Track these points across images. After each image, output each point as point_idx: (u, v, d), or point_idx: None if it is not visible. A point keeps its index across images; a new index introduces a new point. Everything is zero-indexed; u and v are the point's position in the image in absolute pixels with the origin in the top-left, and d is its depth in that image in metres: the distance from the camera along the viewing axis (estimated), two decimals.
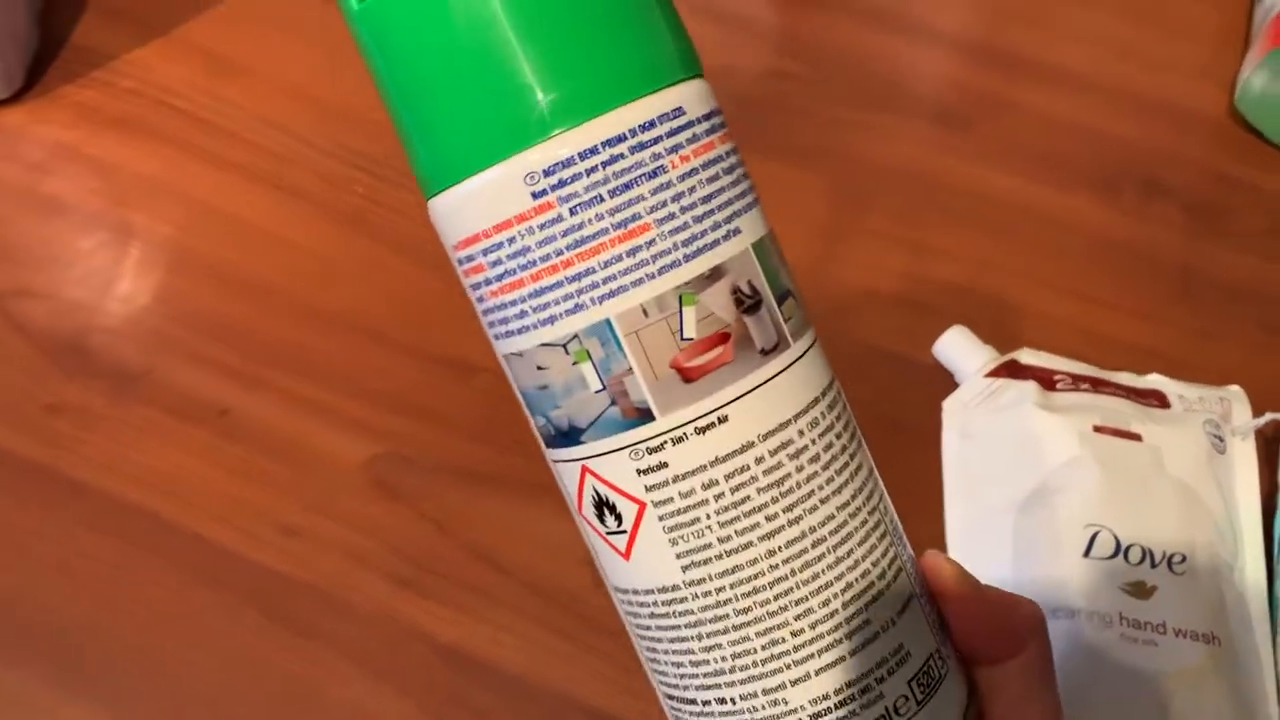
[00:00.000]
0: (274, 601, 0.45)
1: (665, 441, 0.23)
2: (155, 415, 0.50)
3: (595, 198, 0.22)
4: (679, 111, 0.23)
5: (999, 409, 0.48)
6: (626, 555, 0.25)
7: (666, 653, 0.25)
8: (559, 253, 0.23)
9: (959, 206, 0.57)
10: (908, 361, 0.51)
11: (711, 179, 0.24)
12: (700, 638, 0.24)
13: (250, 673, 0.44)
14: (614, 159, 0.22)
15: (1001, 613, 0.27)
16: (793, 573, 0.24)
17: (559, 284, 0.23)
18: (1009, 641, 0.27)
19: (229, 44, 0.61)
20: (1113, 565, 0.43)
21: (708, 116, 0.24)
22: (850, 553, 0.24)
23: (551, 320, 0.23)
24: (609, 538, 0.25)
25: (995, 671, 0.27)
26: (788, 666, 0.24)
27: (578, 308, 0.23)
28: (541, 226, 0.23)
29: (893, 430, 0.50)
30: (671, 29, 0.24)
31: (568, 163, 0.22)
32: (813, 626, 0.24)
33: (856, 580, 0.24)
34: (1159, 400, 0.49)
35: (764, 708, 0.24)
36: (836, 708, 0.24)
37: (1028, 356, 0.50)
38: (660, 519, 0.24)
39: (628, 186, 0.23)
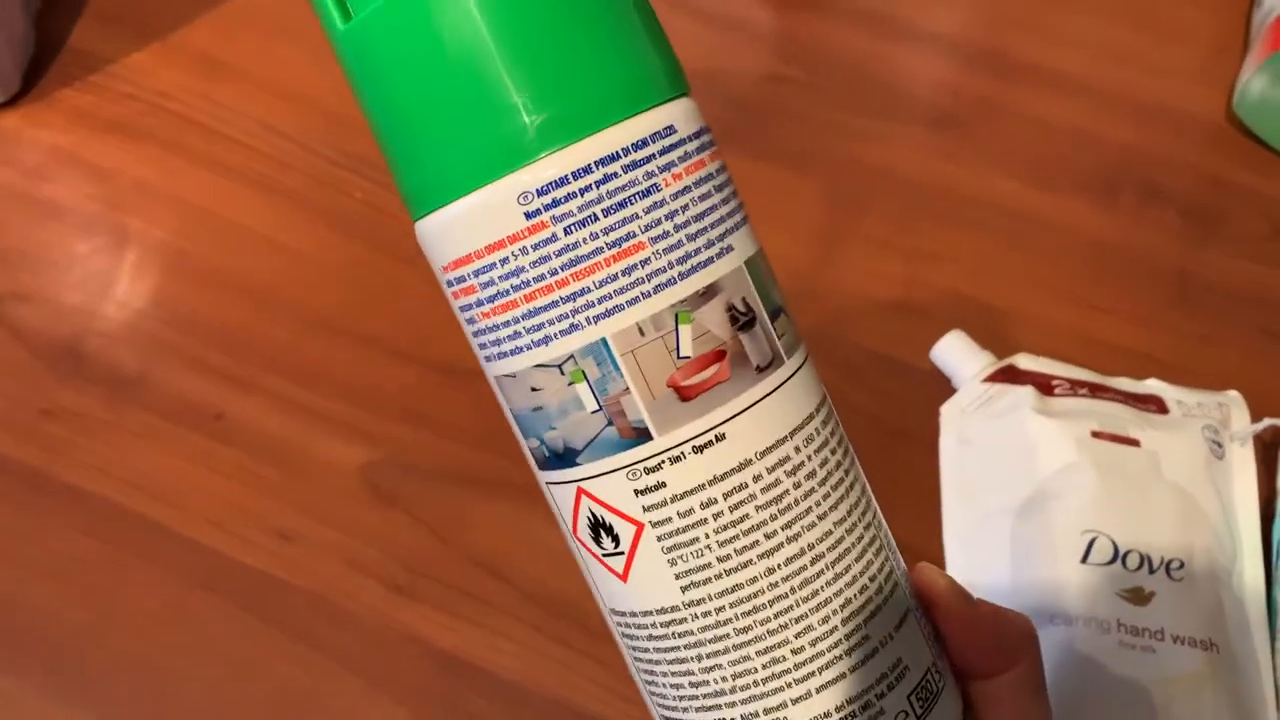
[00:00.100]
0: (269, 607, 0.45)
1: (663, 461, 0.23)
2: (151, 420, 0.50)
3: (589, 217, 0.22)
4: (670, 130, 0.23)
5: (996, 414, 0.48)
6: (624, 577, 0.24)
7: (665, 675, 0.25)
8: (553, 273, 0.22)
9: (956, 211, 0.57)
10: (905, 366, 0.51)
11: (704, 196, 0.23)
12: (700, 658, 0.24)
13: (245, 678, 0.44)
14: (608, 178, 0.22)
15: (994, 627, 0.27)
16: (792, 590, 0.24)
17: (554, 304, 0.23)
18: (1001, 656, 0.27)
19: (226, 48, 0.61)
20: (1110, 571, 0.43)
21: (697, 135, 0.24)
22: (848, 569, 0.24)
23: (546, 341, 0.23)
24: (605, 560, 0.24)
25: (988, 686, 0.27)
26: (789, 685, 0.24)
27: (573, 328, 0.23)
28: (535, 246, 0.22)
29: (890, 435, 0.50)
30: (659, 48, 0.24)
31: (561, 182, 0.22)
32: (813, 644, 0.24)
33: (855, 596, 0.24)
34: (1157, 406, 0.49)
35: None
36: None
37: (1025, 362, 0.50)
38: (659, 539, 0.23)
39: (622, 205, 0.22)
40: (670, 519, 0.23)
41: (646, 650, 0.25)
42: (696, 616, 0.24)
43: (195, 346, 0.52)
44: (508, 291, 0.23)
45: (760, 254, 0.25)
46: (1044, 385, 0.48)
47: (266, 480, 0.48)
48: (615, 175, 0.22)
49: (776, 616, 0.24)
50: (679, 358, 0.23)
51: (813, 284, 0.54)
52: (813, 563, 0.24)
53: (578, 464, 0.24)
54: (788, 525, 0.24)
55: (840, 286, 0.54)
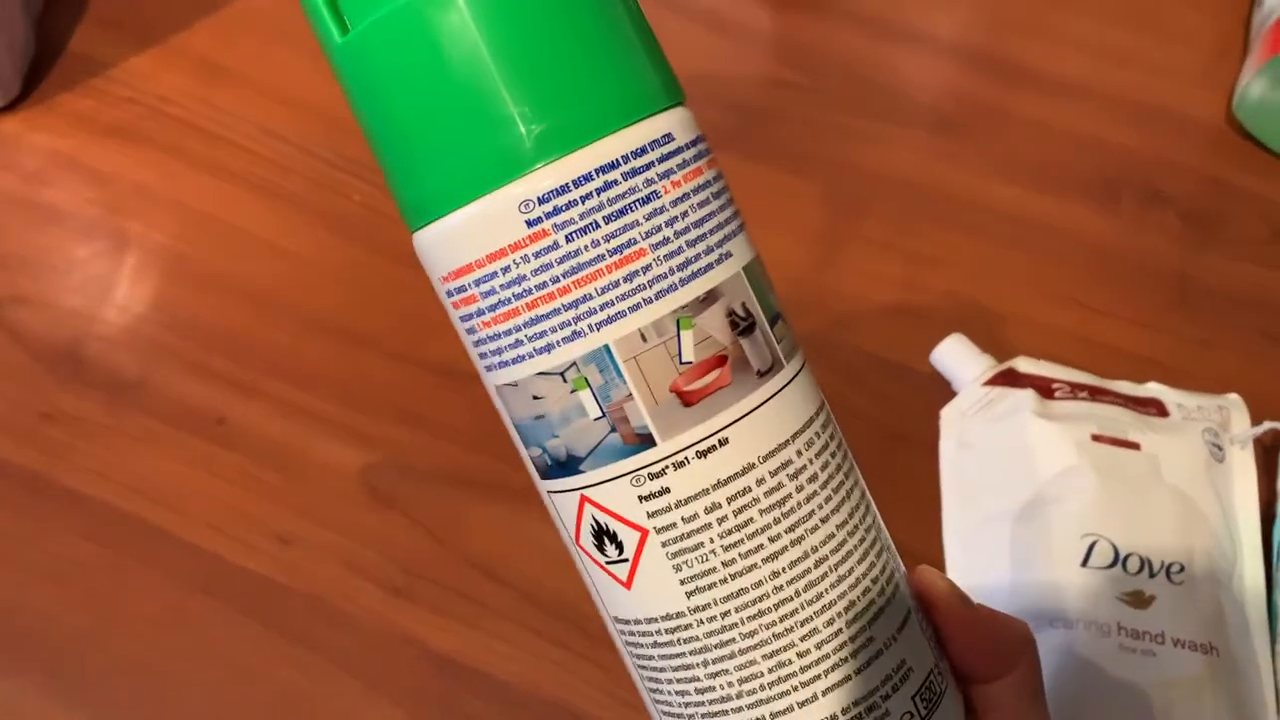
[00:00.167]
0: (269, 610, 0.45)
1: (667, 467, 0.23)
2: (151, 424, 0.50)
3: (591, 224, 0.22)
4: (669, 138, 0.23)
5: (996, 418, 0.48)
6: (628, 584, 0.24)
7: (670, 682, 0.25)
8: (555, 280, 0.23)
9: (956, 215, 0.57)
10: (905, 370, 0.51)
11: (702, 203, 0.24)
12: (706, 664, 0.24)
13: (244, 681, 0.44)
14: (608, 185, 0.23)
15: (993, 631, 0.27)
16: (797, 594, 0.24)
17: (556, 311, 0.23)
18: (1000, 660, 0.27)
19: (225, 52, 0.61)
20: (1111, 575, 0.43)
21: (694, 143, 0.24)
22: (851, 570, 0.24)
23: (549, 348, 0.23)
24: (609, 568, 0.24)
25: (987, 690, 0.27)
26: (795, 689, 0.24)
27: (575, 335, 0.23)
28: (537, 254, 0.23)
29: (891, 439, 0.50)
30: (653, 59, 0.24)
31: (562, 190, 0.22)
32: (818, 647, 0.24)
33: (859, 598, 0.24)
34: (1157, 409, 0.49)
35: None
36: None
37: (1025, 365, 0.50)
38: (663, 545, 0.24)
39: (622, 212, 0.23)
40: (675, 524, 0.23)
41: (651, 658, 0.25)
42: (702, 622, 0.24)
43: (195, 350, 0.52)
44: (509, 300, 0.23)
45: (757, 260, 0.25)
46: (1044, 388, 0.48)
47: (266, 484, 0.48)
48: (615, 183, 0.23)
49: (782, 620, 0.24)
50: (681, 363, 0.23)
51: (814, 287, 0.54)
52: (816, 565, 0.24)
53: (581, 471, 0.24)
54: (791, 528, 0.24)
55: (841, 290, 0.54)
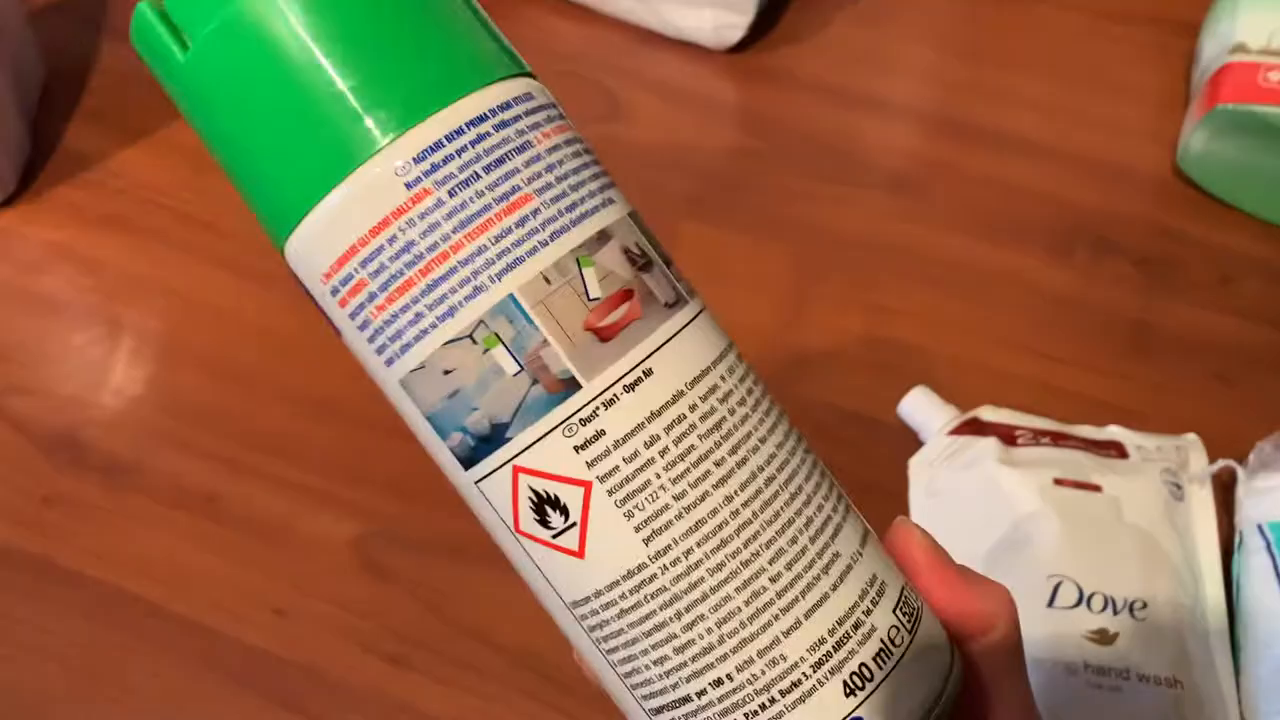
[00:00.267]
0: (267, 681, 0.46)
1: (597, 408, 0.22)
2: (147, 504, 0.51)
3: (471, 175, 0.22)
4: (529, 96, 0.24)
5: (963, 466, 0.49)
6: (580, 552, 0.23)
7: (645, 653, 0.24)
8: (446, 238, 0.22)
9: (917, 271, 0.59)
10: (874, 422, 0.53)
11: (575, 155, 0.24)
12: (679, 615, 0.23)
13: None
14: (481, 137, 0.23)
15: (970, 586, 0.27)
16: (755, 515, 0.23)
17: (453, 270, 0.22)
18: (978, 618, 0.26)
19: None
20: (1076, 614, 0.44)
21: (554, 106, 0.25)
22: (800, 488, 0.24)
23: (451, 312, 0.22)
24: (557, 540, 0.23)
25: (967, 649, 0.26)
26: (776, 618, 0.23)
27: (477, 290, 0.22)
28: (422, 215, 0.22)
29: (861, 490, 0.51)
30: (500, 38, 0.25)
31: (436, 146, 0.22)
32: (789, 567, 0.23)
33: (815, 514, 0.24)
34: (1118, 451, 0.51)
35: (764, 672, 0.23)
36: (835, 649, 0.23)
37: (989, 414, 0.52)
38: (610, 493, 0.23)
39: (500, 161, 0.23)
40: (617, 467, 0.23)
41: (620, 632, 0.24)
42: (666, 568, 0.23)
43: (188, 431, 0.53)
44: (401, 271, 0.22)
45: (638, 214, 0.25)
46: (1007, 436, 0.50)
47: (261, 558, 0.50)
48: (488, 134, 0.23)
49: (746, 546, 0.23)
50: (590, 299, 0.23)
51: (782, 343, 0.56)
52: (767, 484, 0.23)
53: (508, 439, 0.23)
54: (733, 450, 0.23)
55: (808, 346, 0.56)
